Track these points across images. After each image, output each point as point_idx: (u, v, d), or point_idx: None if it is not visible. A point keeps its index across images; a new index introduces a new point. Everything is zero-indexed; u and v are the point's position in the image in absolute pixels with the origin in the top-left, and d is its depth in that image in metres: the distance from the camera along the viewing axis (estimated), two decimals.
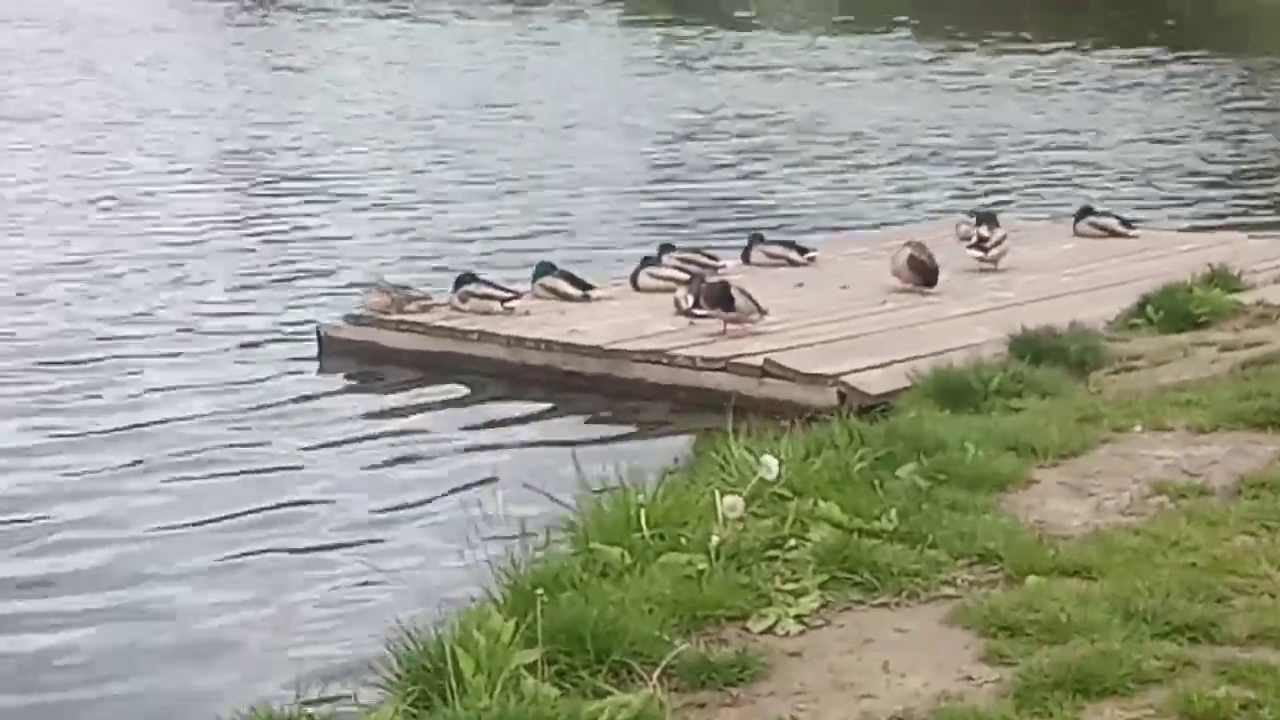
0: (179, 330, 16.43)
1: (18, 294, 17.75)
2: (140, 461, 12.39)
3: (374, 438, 13.00)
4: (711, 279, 14.72)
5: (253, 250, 20.47)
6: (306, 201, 23.81)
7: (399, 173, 25.99)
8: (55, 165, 26.15)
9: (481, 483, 10.97)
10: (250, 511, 11.33)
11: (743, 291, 14.08)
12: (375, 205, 23.62)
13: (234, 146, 28.31)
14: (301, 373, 15.02)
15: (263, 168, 26.38)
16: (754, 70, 39.96)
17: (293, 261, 19.83)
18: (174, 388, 14.28)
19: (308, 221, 22.38)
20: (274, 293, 18.22)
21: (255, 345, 15.98)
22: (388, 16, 53.02)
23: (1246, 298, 13.53)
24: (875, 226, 21.33)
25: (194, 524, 11.11)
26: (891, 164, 26.97)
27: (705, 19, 50.50)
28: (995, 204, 21.45)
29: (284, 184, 25.03)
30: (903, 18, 52.10)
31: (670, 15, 51.62)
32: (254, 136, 29.53)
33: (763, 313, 14.02)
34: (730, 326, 14.00)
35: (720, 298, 13.97)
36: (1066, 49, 44.18)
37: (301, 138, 29.45)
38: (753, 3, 54.33)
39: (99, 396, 13.99)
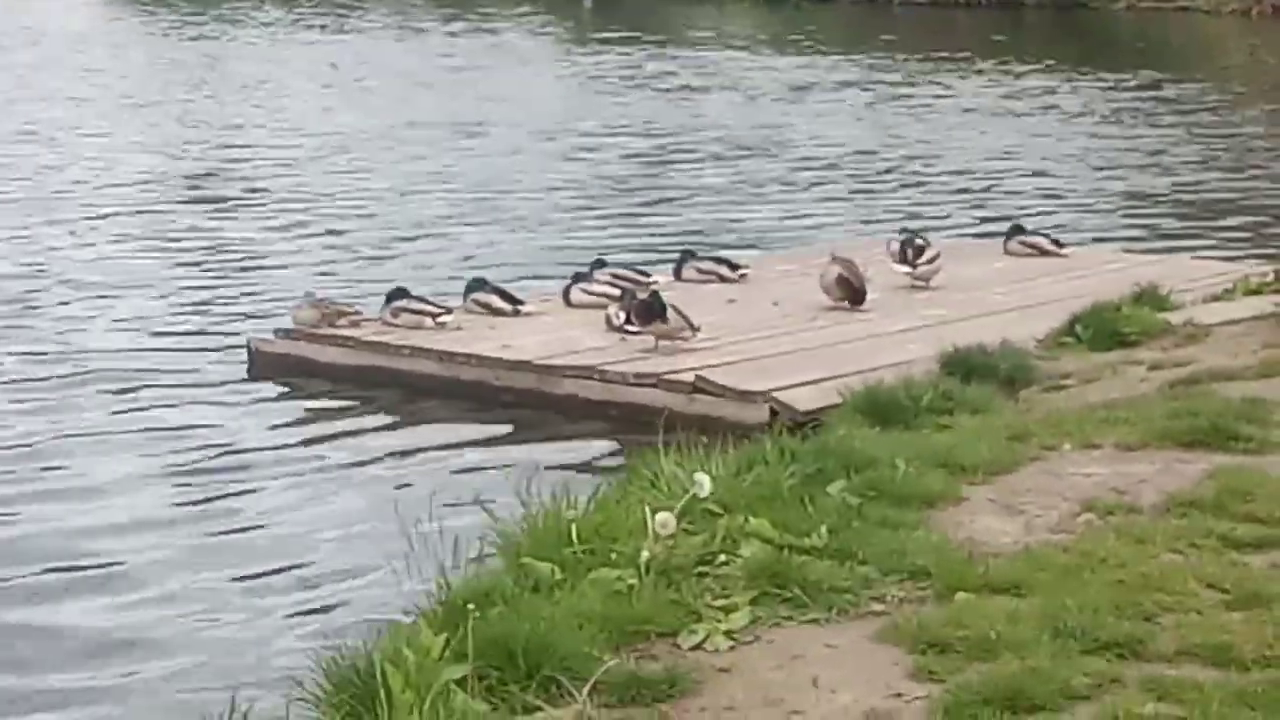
0: (107, 343, 16.37)
1: None
2: (73, 473, 12.41)
3: (305, 452, 12.96)
4: (643, 294, 14.63)
5: (182, 264, 20.39)
6: (237, 216, 23.82)
7: (329, 188, 25.94)
8: None
9: (414, 498, 10.76)
10: (178, 528, 11.26)
11: (674, 307, 14.05)
12: (306, 219, 23.56)
13: (164, 161, 28.29)
14: (232, 386, 14.96)
15: (192, 182, 26.38)
16: (694, 88, 40.09)
17: (223, 275, 19.81)
18: (101, 400, 14.25)
19: (237, 235, 22.34)
20: (204, 307, 18.15)
21: (185, 358, 15.93)
22: (323, 29, 52.64)
23: (1175, 317, 13.52)
24: (806, 243, 21.26)
25: (116, 539, 11.05)
26: (827, 183, 27.16)
27: (655, 36, 50.27)
28: (930, 223, 21.46)
29: (213, 199, 25.03)
30: (823, 34, 52.08)
31: (620, 33, 51.44)
32: (184, 150, 29.60)
33: (694, 329, 14.01)
34: (661, 342, 13.96)
35: (652, 311, 13.95)
36: (1012, 71, 44.58)
37: (233, 152, 29.34)
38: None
39: (24, 411, 13.94)
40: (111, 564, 10.58)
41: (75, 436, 13.22)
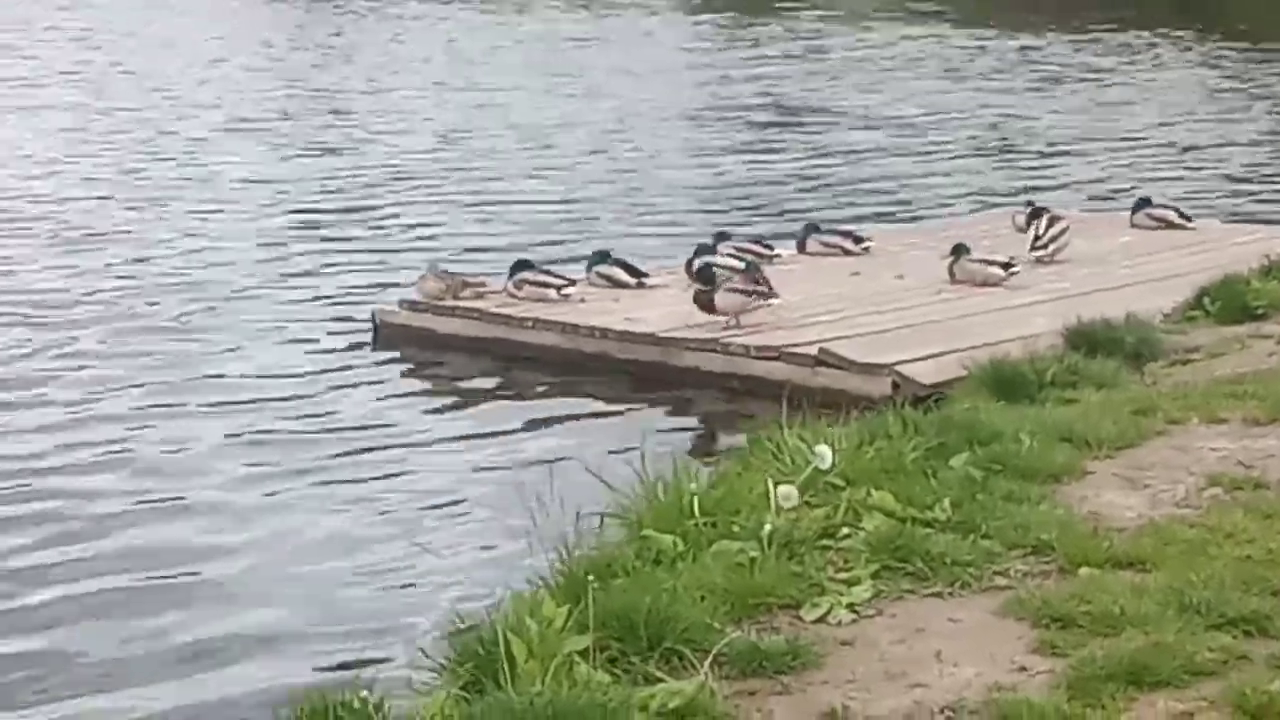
0: (229, 314, 16.40)
1: (73, 268, 17.89)
2: (201, 443, 12.43)
3: (429, 423, 12.95)
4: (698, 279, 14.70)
5: (309, 235, 20.34)
6: (364, 185, 23.67)
7: (455, 160, 25.86)
8: (108, 143, 26.40)
9: (536, 470, 10.84)
10: (306, 496, 11.33)
11: (742, 271, 14.36)
12: (432, 190, 23.44)
13: (290, 131, 28.27)
14: (357, 357, 14.93)
15: (321, 154, 26.34)
16: (809, 59, 39.64)
17: (349, 246, 19.75)
18: (232, 373, 14.29)
19: (365, 205, 22.27)
20: (330, 277, 18.12)
21: (311, 329, 15.91)
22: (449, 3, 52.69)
23: None
24: (932, 217, 21.14)
25: (249, 506, 11.14)
26: (950, 156, 26.79)
27: (758, 11, 50.03)
28: (1054, 195, 21.43)
29: (341, 169, 25.00)
30: (946, 8, 51.62)
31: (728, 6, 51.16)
32: (311, 123, 29.50)
33: (767, 295, 14.05)
34: (736, 318, 13.98)
35: (708, 298, 14.09)
36: (1123, 35, 44.01)
37: (361, 123, 29.45)
38: None
39: (157, 383, 14.01)
40: (238, 524, 10.71)
41: (202, 406, 13.34)
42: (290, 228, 20.71)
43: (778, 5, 50.87)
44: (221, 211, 21.49)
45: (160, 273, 17.97)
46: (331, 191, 23.15)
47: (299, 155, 26.10)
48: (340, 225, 20.93)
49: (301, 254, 19.23)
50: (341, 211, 21.84)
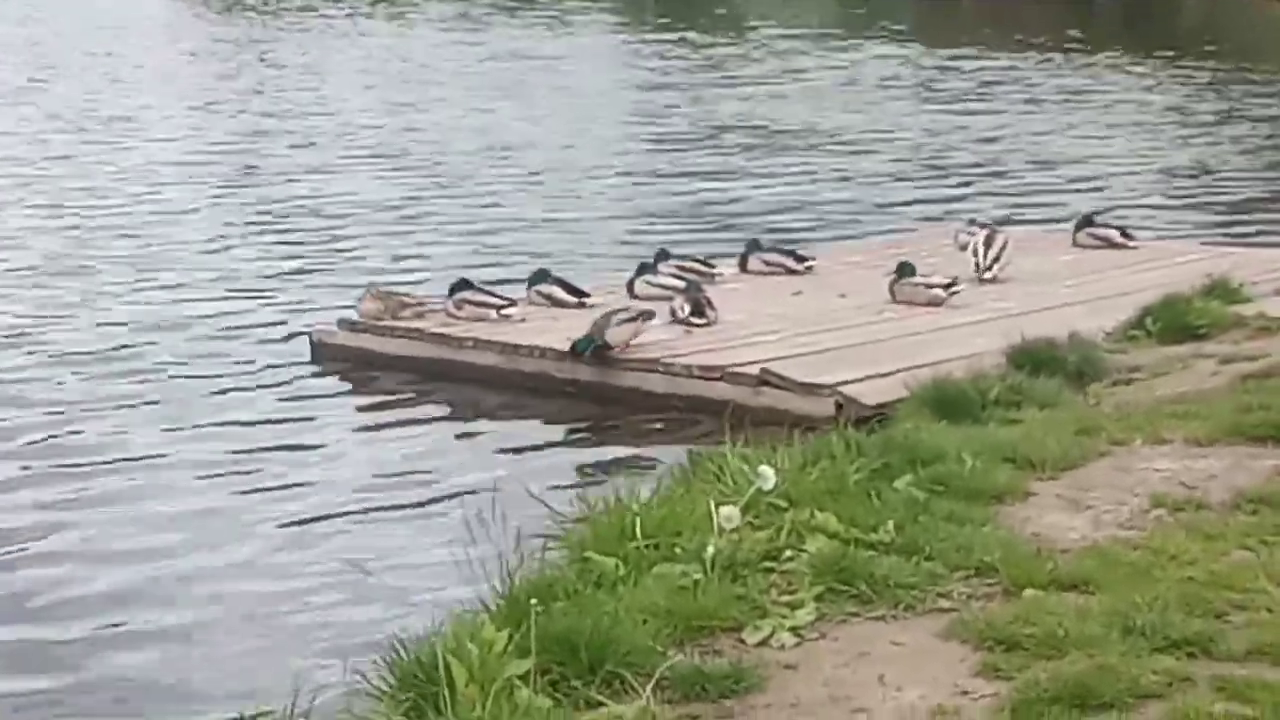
0: (167, 334, 16.26)
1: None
2: (129, 463, 12.33)
3: (367, 445, 12.86)
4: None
5: (245, 254, 20.20)
6: (300, 206, 23.54)
7: (394, 179, 25.69)
8: (39, 157, 26.37)
9: (476, 491, 10.64)
10: (241, 518, 11.23)
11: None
12: (369, 210, 23.24)
13: (225, 149, 28.09)
14: (294, 378, 14.78)
15: (256, 173, 26.21)
16: (754, 82, 39.73)
17: (286, 266, 19.56)
18: (168, 396, 14.13)
19: (301, 225, 22.15)
20: (267, 297, 17.92)
21: (247, 350, 15.73)
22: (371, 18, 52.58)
23: (1247, 309, 13.30)
24: (875, 234, 21.07)
25: (182, 531, 11.03)
26: (893, 176, 26.59)
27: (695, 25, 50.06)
28: (996, 213, 21.36)
29: (278, 188, 24.81)
30: (901, 27, 51.82)
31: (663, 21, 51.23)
32: (247, 139, 29.22)
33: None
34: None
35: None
36: (1072, 55, 44.24)
37: (297, 141, 29.27)
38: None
39: (83, 403, 13.89)
40: (171, 553, 10.59)
41: (136, 426, 13.21)
42: (228, 248, 20.59)
43: (746, 24, 50.38)
44: (155, 230, 21.46)
45: (95, 292, 17.89)
46: (269, 212, 23.00)
47: (238, 175, 26.09)
48: (278, 245, 20.84)
49: (238, 274, 19.04)
50: (280, 232, 21.73)
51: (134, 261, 19.53)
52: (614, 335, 13.26)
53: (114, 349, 15.47)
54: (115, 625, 9.50)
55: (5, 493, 11.59)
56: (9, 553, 10.53)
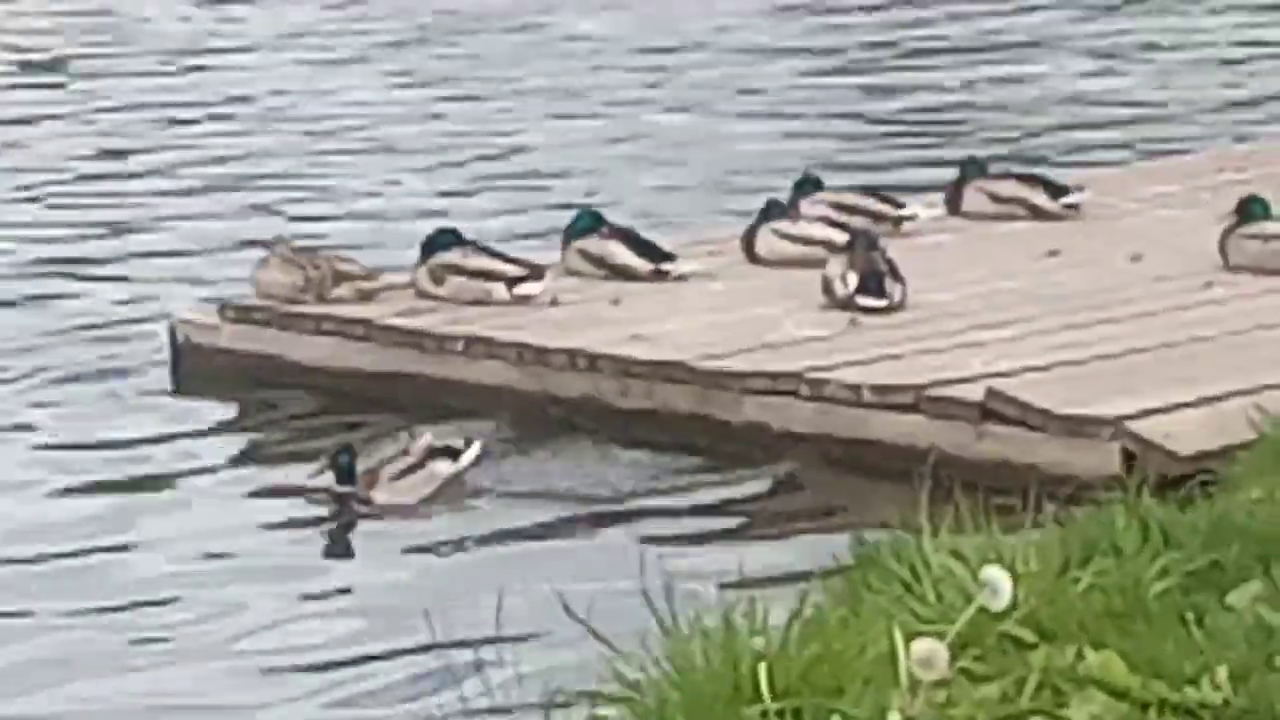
0: None
1: None
2: None
3: (279, 536, 10.39)
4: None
5: (55, 199, 16.62)
6: (155, 119, 19.82)
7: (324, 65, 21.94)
8: None
9: (468, 607, 8.43)
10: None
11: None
12: (277, 127, 19.36)
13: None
14: (136, 407, 11.81)
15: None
16: None
17: (126, 216, 16.04)
18: None
19: (159, 146, 18.51)
20: (98, 268, 14.58)
21: (56, 359, 12.49)
22: None
23: None
24: (1188, 145, 17.01)
25: None
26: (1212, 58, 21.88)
27: None
28: None
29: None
30: None
31: None
32: None
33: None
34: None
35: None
36: None
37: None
38: None
39: None
40: None
41: None
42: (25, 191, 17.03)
43: None
44: None
45: None
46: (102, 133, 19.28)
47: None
48: (109, 177, 17.30)
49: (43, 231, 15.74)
50: (116, 153, 18.17)
51: None
52: (384, 494, 10.69)
53: None
54: None
55: None
56: None
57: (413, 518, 10.57)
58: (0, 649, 9.17)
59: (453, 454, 10.92)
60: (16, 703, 8.70)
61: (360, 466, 10.75)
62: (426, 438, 11.08)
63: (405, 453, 10.92)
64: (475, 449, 10.91)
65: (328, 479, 10.70)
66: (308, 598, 9.86)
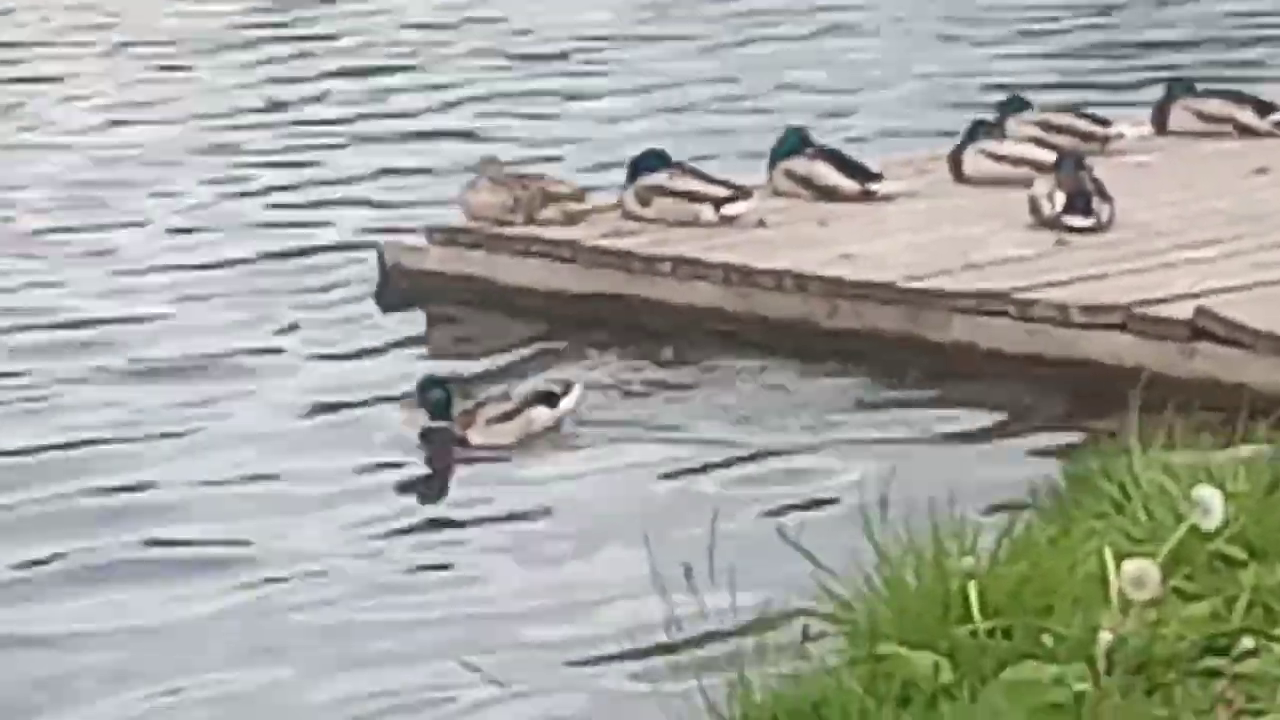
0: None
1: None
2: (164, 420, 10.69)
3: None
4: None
5: (274, 136, 16.77)
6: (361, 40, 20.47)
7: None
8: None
9: (684, 525, 8.23)
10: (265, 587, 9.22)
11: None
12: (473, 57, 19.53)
13: None
14: (345, 335, 11.83)
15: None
16: None
17: (342, 151, 16.09)
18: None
19: (373, 87, 18.56)
20: (311, 198, 14.62)
21: (277, 282, 12.66)
22: None
23: None
24: None
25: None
26: None
27: None
28: None
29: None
30: None
31: None
32: None
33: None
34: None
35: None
36: None
37: None
38: None
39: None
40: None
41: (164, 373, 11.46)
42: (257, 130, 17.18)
43: None
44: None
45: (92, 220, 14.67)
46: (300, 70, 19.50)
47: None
48: (323, 119, 17.34)
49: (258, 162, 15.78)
50: (318, 97, 18.21)
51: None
52: (479, 435, 10.67)
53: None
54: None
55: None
56: None
57: (623, 440, 10.58)
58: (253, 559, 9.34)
59: (552, 400, 10.97)
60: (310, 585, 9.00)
61: (457, 407, 10.78)
62: (528, 384, 11.18)
63: (506, 397, 11.00)
64: (575, 395, 10.94)
65: (421, 416, 10.73)
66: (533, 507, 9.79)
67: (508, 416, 10.75)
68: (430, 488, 10.38)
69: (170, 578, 9.18)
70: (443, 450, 10.72)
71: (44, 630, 8.67)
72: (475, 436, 10.66)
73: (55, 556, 9.33)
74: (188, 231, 14.60)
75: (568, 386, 10.89)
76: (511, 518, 9.98)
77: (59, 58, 21.31)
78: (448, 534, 9.84)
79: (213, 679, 8.64)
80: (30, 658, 8.45)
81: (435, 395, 10.64)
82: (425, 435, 10.66)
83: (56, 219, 15.15)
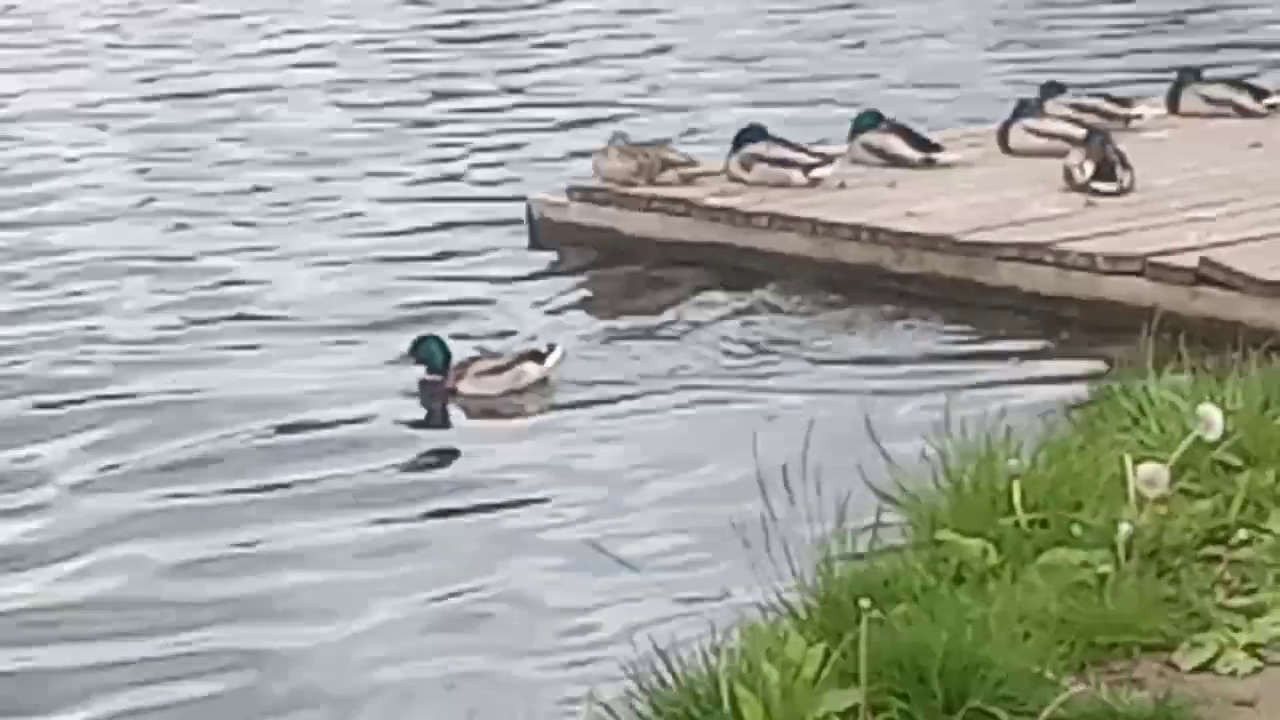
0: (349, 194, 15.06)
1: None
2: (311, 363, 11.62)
3: (614, 369, 11.56)
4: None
5: (450, 110, 18.19)
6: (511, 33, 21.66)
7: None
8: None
9: (773, 435, 8.86)
10: (450, 477, 10.20)
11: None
12: (617, 34, 21.22)
13: None
14: (501, 275, 13.18)
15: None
16: None
17: (496, 117, 17.66)
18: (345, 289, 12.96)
19: (519, 65, 20.05)
20: (468, 159, 16.17)
21: (441, 234, 14.07)
22: None
23: None
24: None
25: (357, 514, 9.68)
26: None
27: None
28: None
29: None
30: None
31: None
32: None
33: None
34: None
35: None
36: None
37: None
38: None
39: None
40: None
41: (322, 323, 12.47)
42: (427, 103, 18.60)
43: None
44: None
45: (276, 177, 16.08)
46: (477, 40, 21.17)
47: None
48: (480, 95, 18.77)
49: (439, 131, 17.27)
50: (474, 74, 19.66)
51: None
52: (469, 385, 11.41)
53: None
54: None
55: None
56: None
57: (733, 356, 11.51)
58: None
59: (539, 358, 11.59)
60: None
61: (454, 361, 11.38)
62: (517, 346, 11.96)
63: (498, 355, 11.64)
64: (558, 354, 11.53)
65: (418, 369, 11.38)
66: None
67: (497, 371, 11.49)
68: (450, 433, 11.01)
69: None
70: (437, 399, 11.43)
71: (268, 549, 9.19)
72: (466, 387, 11.34)
73: (276, 485, 9.90)
74: (395, 201, 15.31)
75: (550, 346, 11.60)
76: (659, 409, 10.79)
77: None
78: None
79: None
80: (267, 572, 8.92)
81: (429, 350, 11.37)
82: (421, 386, 11.36)
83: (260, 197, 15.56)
